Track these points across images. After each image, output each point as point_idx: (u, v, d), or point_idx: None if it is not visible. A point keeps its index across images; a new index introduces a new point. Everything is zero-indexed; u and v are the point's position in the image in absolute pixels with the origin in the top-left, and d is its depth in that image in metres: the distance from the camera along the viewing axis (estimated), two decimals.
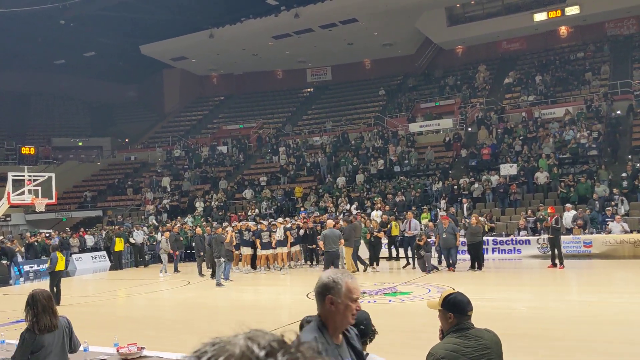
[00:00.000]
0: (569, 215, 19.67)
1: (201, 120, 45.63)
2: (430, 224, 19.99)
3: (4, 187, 20.61)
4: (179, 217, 29.30)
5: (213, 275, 18.13)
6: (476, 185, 25.14)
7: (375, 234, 18.47)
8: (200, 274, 19.35)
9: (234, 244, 18.69)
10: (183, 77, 47.20)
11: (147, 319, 12.27)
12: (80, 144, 44.65)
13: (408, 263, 18.11)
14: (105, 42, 40.45)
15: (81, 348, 7.36)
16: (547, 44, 37.65)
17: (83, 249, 26.64)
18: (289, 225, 20.58)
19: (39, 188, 20.75)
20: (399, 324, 9.63)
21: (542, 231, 19.02)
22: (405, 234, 18.30)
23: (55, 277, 14.41)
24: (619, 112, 28.24)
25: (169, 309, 13.90)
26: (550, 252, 17.03)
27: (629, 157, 24.62)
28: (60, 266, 14.71)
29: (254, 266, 19.92)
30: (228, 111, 45.86)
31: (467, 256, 17.30)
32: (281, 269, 19.13)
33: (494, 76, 37.52)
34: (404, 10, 35.18)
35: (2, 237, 24.67)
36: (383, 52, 41.44)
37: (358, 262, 17.59)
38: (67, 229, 29.35)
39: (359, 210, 24.25)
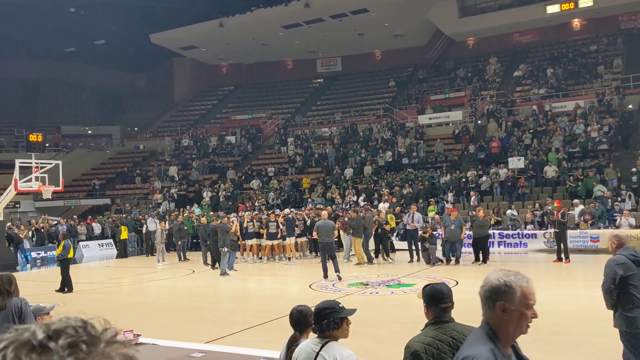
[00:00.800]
0: (576, 210, 19.50)
1: (210, 109, 45.61)
2: (437, 216, 19.90)
3: (12, 174, 20.71)
4: (187, 207, 29.36)
5: (214, 265, 18.19)
6: (484, 178, 24.98)
7: (383, 225, 18.33)
8: (205, 263, 19.38)
9: (238, 234, 18.70)
10: (193, 67, 47.18)
11: (148, 307, 12.30)
12: (89, 132, 44.81)
13: (411, 256, 17.98)
14: (115, 30, 40.51)
15: None
16: (559, 37, 37.24)
17: (90, 236, 26.78)
18: (290, 216, 20.57)
19: (46, 175, 20.85)
20: (400, 315, 9.57)
21: (548, 225, 18.86)
22: (408, 227, 18.18)
23: (67, 264, 14.52)
24: (630, 106, 27.89)
25: (171, 297, 13.92)
26: (556, 247, 16.89)
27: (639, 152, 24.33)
28: (70, 254, 14.86)
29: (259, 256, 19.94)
30: (237, 101, 45.81)
31: (470, 249, 17.19)
32: (289, 259, 19.11)
33: (505, 68, 37.18)
34: (415, 1, 34.93)
35: (10, 224, 24.83)
36: (394, 43, 41.18)
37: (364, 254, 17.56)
38: (75, 216, 29.50)
39: (366, 202, 24.16)
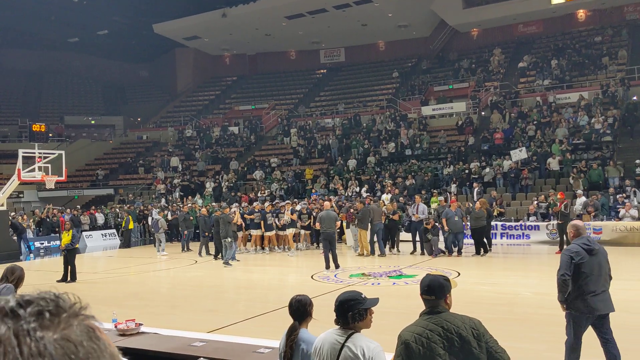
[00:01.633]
0: (579, 202, 19.46)
1: (213, 100, 45.56)
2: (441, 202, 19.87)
3: (16, 164, 20.78)
4: (189, 197, 29.40)
5: (216, 256, 18.23)
6: (487, 169, 24.94)
7: (390, 216, 18.21)
8: (200, 254, 19.35)
9: (239, 224, 18.73)
10: (196, 57, 47.09)
11: (150, 296, 12.36)
12: (92, 122, 44.85)
13: (414, 248, 17.94)
14: (118, 20, 40.42)
15: None
16: (564, 28, 37.03)
17: (93, 226, 26.87)
18: (298, 207, 20.58)
19: (49, 165, 20.89)
20: (400, 305, 9.59)
21: (552, 217, 18.85)
22: (413, 218, 18.14)
23: (74, 254, 14.62)
24: (635, 97, 27.76)
25: (173, 287, 13.98)
26: (559, 238, 16.87)
27: None
28: (76, 243, 15.00)
29: (262, 247, 19.99)
30: (240, 91, 45.75)
31: (472, 240, 17.20)
32: (290, 250, 19.14)
33: (509, 60, 37.02)
34: None
35: (13, 213, 24.93)
36: (397, 33, 41.02)
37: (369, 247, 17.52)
38: (78, 206, 29.59)
39: (369, 194, 24.16)
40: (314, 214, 19.66)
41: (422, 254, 17.35)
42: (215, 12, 38.75)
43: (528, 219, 20.00)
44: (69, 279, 14.23)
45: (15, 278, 5.69)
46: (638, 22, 34.39)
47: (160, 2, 38.14)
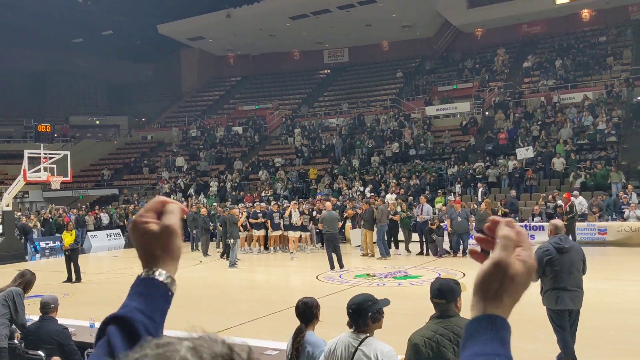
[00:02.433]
0: (581, 201, 19.40)
1: (217, 100, 45.65)
2: (444, 207, 19.84)
3: (21, 164, 20.84)
4: (193, 197, 29.45)
5: (223, 254, 18.29)
6: (491, 170, 24.92)
7: (391, 217, 18.19)
8: (205, 254, 19.49)
9: (241, 223, 18.79)
10: (200, 57, 47.18)
11: None
12: (97, 122, 44.97)
13: (421, 249, 17.91)
14: (122, 20, 40.51)
15: (87, 324, 7.45)
16: (568, 28, 36.93)
17: (98, 226, 26.94)
18: (305, 206, 20.64)
19: (55, 166, 20.96)
20: (407, 306, 9.59)
21: (556, 217, 18.80)
22: (418, 219, 18.11)
23: (78, 254, 14.73)
24: (639, 97, 27.70)
25: (178, 287, 13.91)
26: None
27: None
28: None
29: (267, 247, 20.02)
30: (244, 92, 45.82)
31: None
32: (291, 252, 19.13)
33: (513, 60, 36.95)
34: None
35: (19, 214, 25.01)
36: (401, 34, 40.99)
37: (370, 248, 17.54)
38: (83, 206, 29.67)
39: (372, 194, 24.15)
40: (314, 214, 19.73)
41: (427, 254, 17.36)
42: (219, 12, 38.80)
43: (533, 220, 19.97)
44: (74, 279, 14.30)
45: (24, 282, 6.00)
46: None
47: (165, 2, 38.22)
